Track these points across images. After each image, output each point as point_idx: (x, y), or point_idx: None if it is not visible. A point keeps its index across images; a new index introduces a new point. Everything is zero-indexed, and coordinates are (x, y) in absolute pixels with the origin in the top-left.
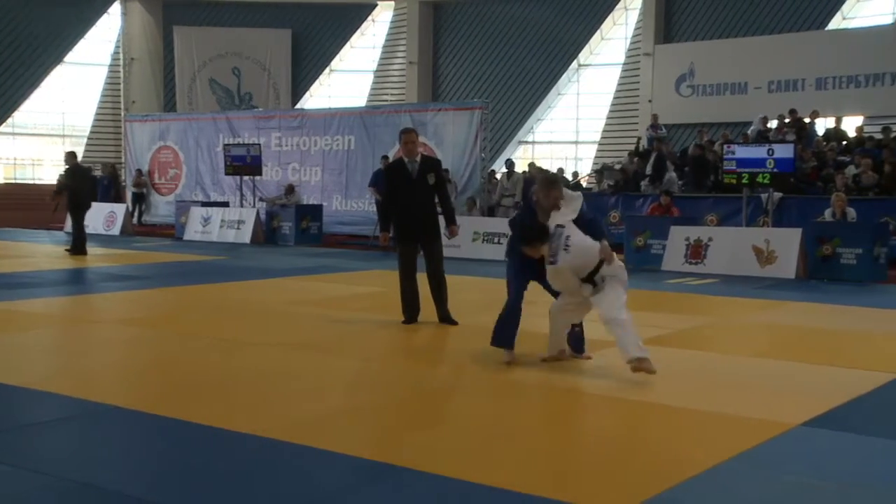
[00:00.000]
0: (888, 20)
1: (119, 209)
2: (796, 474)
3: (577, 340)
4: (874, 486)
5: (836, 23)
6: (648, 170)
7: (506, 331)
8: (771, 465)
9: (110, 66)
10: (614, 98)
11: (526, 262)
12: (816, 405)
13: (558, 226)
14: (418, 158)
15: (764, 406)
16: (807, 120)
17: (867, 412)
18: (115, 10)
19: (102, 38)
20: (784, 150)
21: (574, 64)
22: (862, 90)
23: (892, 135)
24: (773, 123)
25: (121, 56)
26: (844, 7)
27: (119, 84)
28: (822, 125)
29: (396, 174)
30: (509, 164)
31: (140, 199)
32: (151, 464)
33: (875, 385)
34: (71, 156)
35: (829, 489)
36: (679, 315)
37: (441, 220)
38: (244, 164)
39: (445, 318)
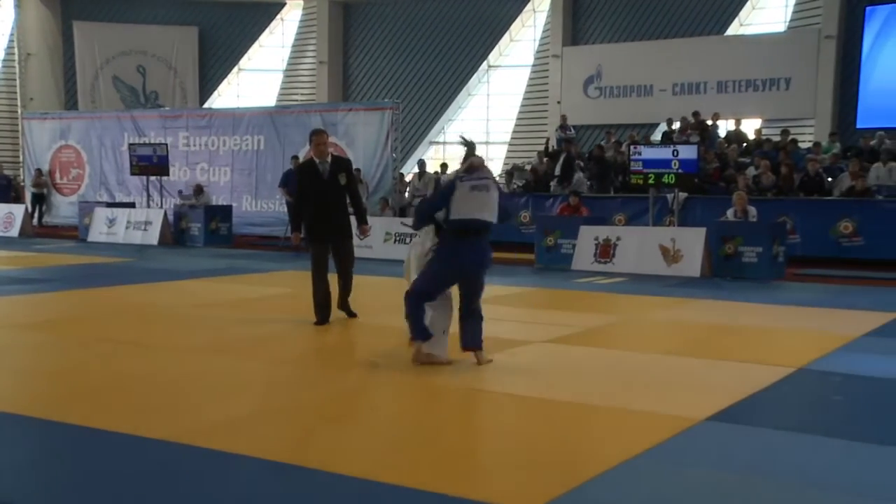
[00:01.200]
0: (781, 28)
1: (17, 210)
2: (702, 468)
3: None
4: (776, 477)
5: (734, 29)
6: (557, 170)
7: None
8: (678, 459)
9: (4, 60)
10: (524, 99)
11: None
12: (720, 400)
13: None
14: (329, 159)
15: (670, 402)
16: (709, 122)
17: (769, 405)
18: (8, 2)
19: None
20: (688, 152)
21: (484, 65)
22: (760, 94)
23: (789, 138)
24: (676, 125)
25: (16, 50)
26: (742, 14)
27: (15, 80)
28: (724, 127)
29: (307, 175)
30: (421, 164)
31: (40, 199)
32: (52, 473)
33: (775, 379)
34: None
35: (733, 481)
36: (588, 314)
37: (353, 220)
38: (151, 164)
39: (344, 307)
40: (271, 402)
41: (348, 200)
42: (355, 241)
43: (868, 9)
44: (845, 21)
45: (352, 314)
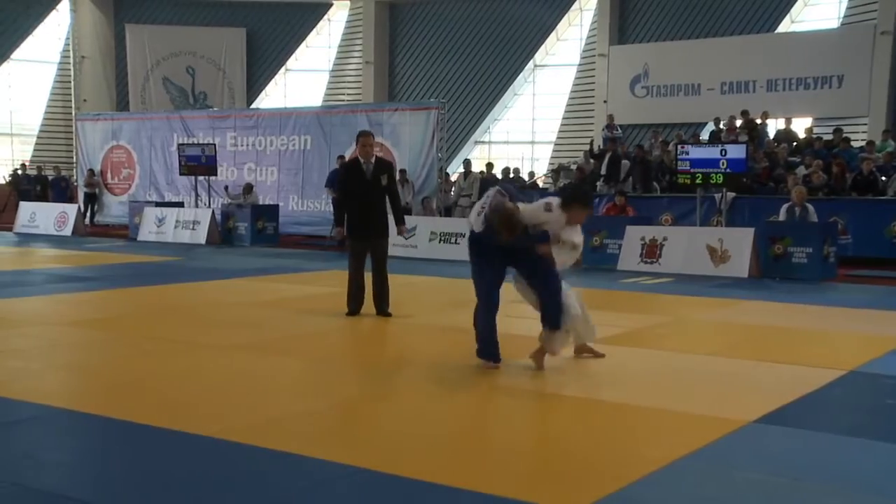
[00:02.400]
0: (834, 24)
1: (71, 209)
2: (749, 470)
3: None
4: (824, 480)
5: (784, 26)
6: (603, 170)
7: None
8: (724, 461)
9: (60, 63)
10: (570, 98)
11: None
12: (769, 402)
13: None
14: (373, 160)
15: (718, 403)
16: (758, 121)
17: (817, 408)
18: (64, 6)
19: (51, 35)
20: (736, 151)
21: (530, 64)
22: (811, 92)
23: (843, 136)
24: (724, 124)
25: (71, 54)
26: (793, 11)
27: (69, 82)
28: (773, 126)
29: (352, 174)
30: (466, 164)
31: (92, 199)
32: (103, 467)
33: (825, 382)
34: None
35: (780, 484)
36: (634, 314)
37: (391, 219)
38: (199, 164)
39: (383, 312)
40: (314, 398)
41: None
42: (401, 241)
43: None
44: None
45: (387, 313)
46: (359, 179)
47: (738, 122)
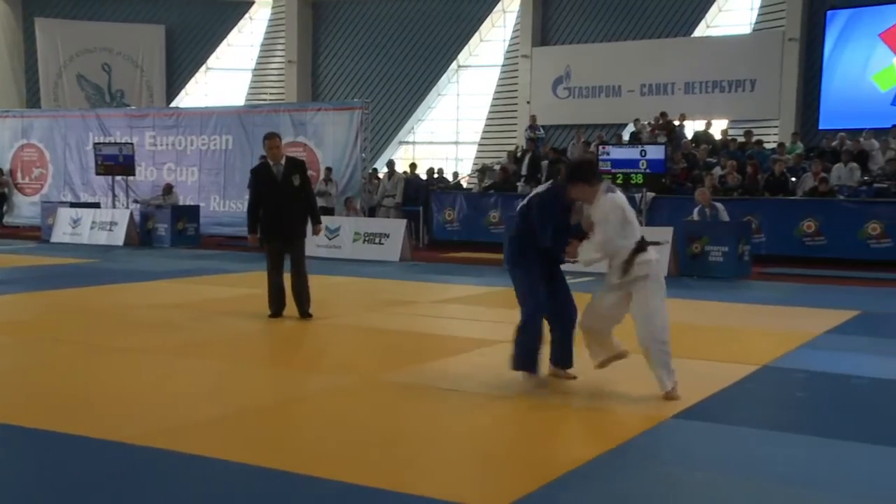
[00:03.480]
0: (746, 30)
1: None
2: (667, 465)
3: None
4: (740, 473)
5: (700, 30)
6: (524, 170)
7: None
8: (644, 457)
9: None
10: (493, 99)
11: (544, 266)
12: (687, 398)
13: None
14: (283, 161)
15: (637, 400)
16: (676, 122)
17: (733, 403)
18: None
19: None
20: (656, 152)
21: (454, 65)
22: (726, 95)
23: (753, 138)
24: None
25: None
26: (708, 16)
27: None
28: (691, 128)
29: (262, 177)
30: (390, 164)
31: (1, 199)
32: (12, 475)
33: (740, 376)
34: None
35: (698, 478)
36: None
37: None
38: (116, 163)
39: (304, 313)
40: (235, 402)
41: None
42: (325, 241)
43: (829, 12)
44: (808, 24)
45: (308, 315)
46: (269, 182)
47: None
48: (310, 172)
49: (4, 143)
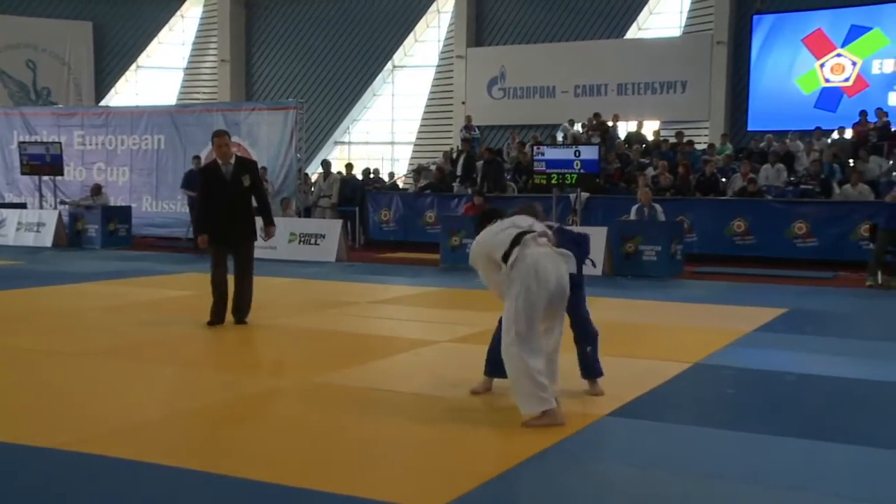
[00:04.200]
0: (676, 32)
1: None
2: (602, 462)
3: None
4: (675, 469)
5: (632, 33)
6: (458, 171)
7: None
8: (581, 455)
9: None
10: (429, 99)
11: None
12: (621, 395)
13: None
14: (233, 160)
15: (572, 398)
16: (610, 123)
17: (667, 400)
18: None
19: None
20: (589, 152)
21: (389, 65)
22: (658, 96)
23: (684, 139)
24: (579, 127)
25: None
26: (640, 18)
27: None
28: (624, 128)
29: (210, 177)
30: (325, 164)
31: None
32: None
33: (673, 374)
34: None
35: (634, 475)
36: (490, 313)
37: (259, 221)
38: (43, 163)
39: (240, 321)
40: (173, 406)
41: (253, 202)
42: (260, 242)
43: (755, 17)
44: (735, 28)
45: (242, 322)
46: (218, 182)
47: (578, 126)
48: None
49: None
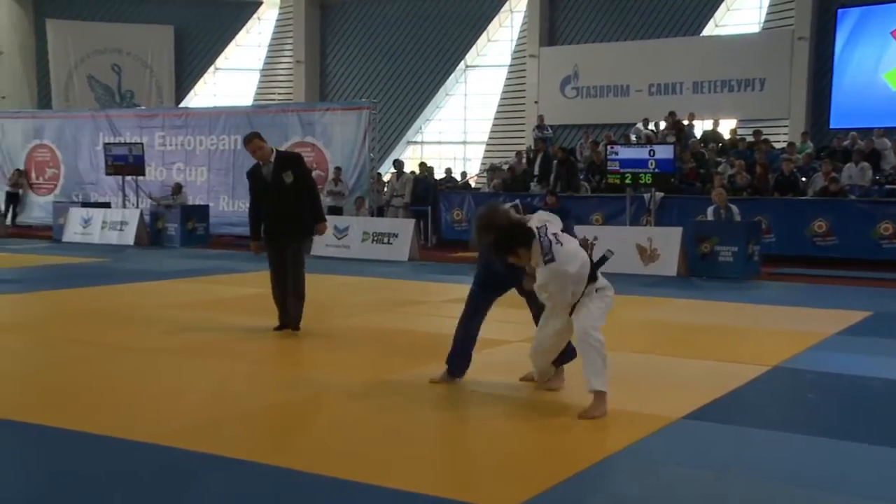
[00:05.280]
0: (755, 29)
1: None
2: (677, 465)
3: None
4: (750, 474)
5: (709, 30)
6: (536, 170)
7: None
8: (654, 457)
9: None
10: (501, 99)
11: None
12: (697, 399)
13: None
14: (272, 159)
15: (648, 400)
16: (685, 122)
17: (742, 404)
18: None
19: None
20: (664, 151)
21: (461, 65)
22: (735, 94)
23: (762, 138)
24: (652, 126)
25: None
26: (717, 15)
27: None
28: (700, 127)
29: (253, 180)
30: (398, 164)
31: (15, 199)
32: (26, 474)
33: (750, 377)
34: None
35: (708, 479)
36: None
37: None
38: (126, 163)
39: (291, 315)
40: (248, 403)
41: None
42: (334, 241)
43: (839, 11)
44: (817, 23)
45: (295, 328)
46: (261, 184)
47: (663, 125)
48: (317, 172)
49: (18, 144)
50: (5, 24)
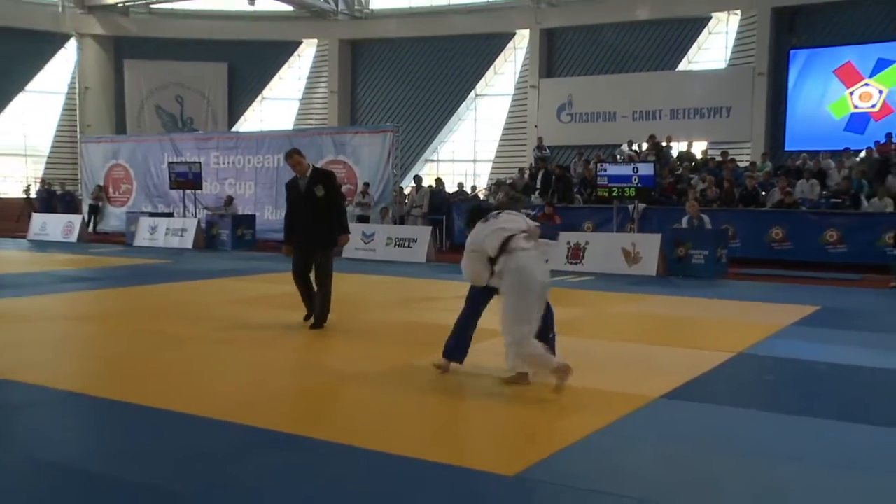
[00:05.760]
0: (722, 65)
1: (76, 219)
2: (656, 440)
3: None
4: (721, 446)
5: (683, 66)
6: (538, 184)
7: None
8: (635, 431)
9: (67, 93)
10: (506, 123)
11: None
12: (672, 380)
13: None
14: (308, 174)
15: (629, 382)
16: (663, 144)
17: (712, 385)
18: (72, 45)
19: (60, 70)
20: (646, 169)
21: (472, 94)
22: (706, 120)
23: (729, 157)
24: (636, 147)
25: (77, 85)
26: (689, 53)
27: (75, 110)
28: (676, 148)
29: (290, 190)
30: (418, 179)
31: (95, 210)
32: (106, 443)
33: (718, 362)
34: None
35: (684, 451)
36: (559, 308)
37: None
38: (187, 179)
39: (317, 322)
40: (282, 385)
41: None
42: (362, 244)
43: (791, 51)
44: (774, 61)
45: (319, 327)
46: (296, 195)
47: (645, 146)
48: (347, 186)
49: (99, 164)
50: (92, 65)
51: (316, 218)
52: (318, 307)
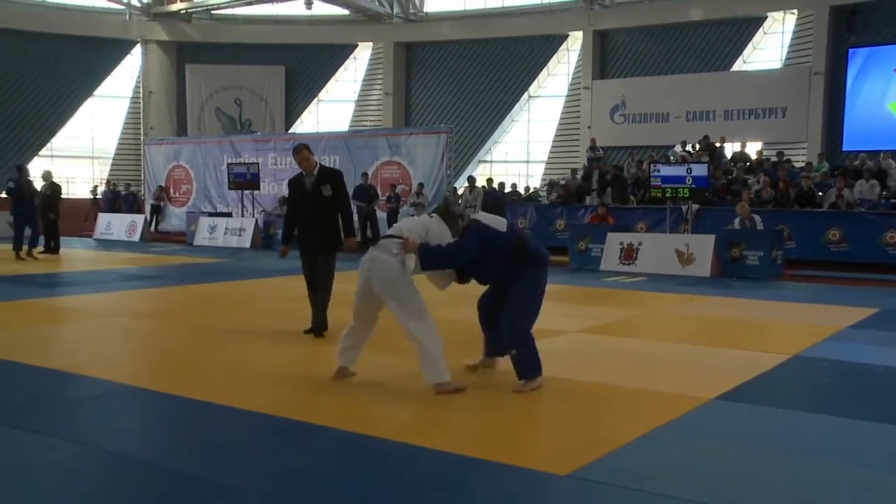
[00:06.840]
0: (777, 65)
1: (139, 219)
2: (710, 440)
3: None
4: (774, 447)
5: (738, 66)
6: (594, 185)
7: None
8: (690, 433)
9: (132, 98)
10: (559, 124)
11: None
12: (727, 382)
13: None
14: (315, 172)
15: (683, 383)
16: (717, 144)
17: (767, 387)
18: (137, 51)
19: (125, 75)
20: (699, 170)
21: (525, 95)
22: (760, 121)
23: (784, 158)
24: (690, 147)
25: (141, 90)
26: (744, 53)
27: (139, 113)
28: (730, 149)
29: (294, 188)
30: (471, 179)
31: (157, 210)
32: (168, 435)
33: (774, 364)
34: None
35: (737, 451)
36: (614, 308)
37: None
38: (245, 180)
39: (316, 322)
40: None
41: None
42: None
43: (850, 50)
44: (831, 60)
45: (318, 333)
46: (300, 193)
47: (698, 146)
48: (402, 187)
49: (160, 165)
50: (156, 70)
51: (320, 218)
52: (316, 315)
